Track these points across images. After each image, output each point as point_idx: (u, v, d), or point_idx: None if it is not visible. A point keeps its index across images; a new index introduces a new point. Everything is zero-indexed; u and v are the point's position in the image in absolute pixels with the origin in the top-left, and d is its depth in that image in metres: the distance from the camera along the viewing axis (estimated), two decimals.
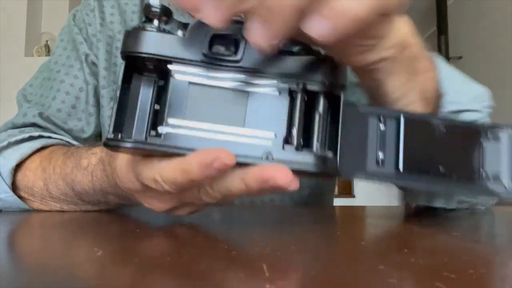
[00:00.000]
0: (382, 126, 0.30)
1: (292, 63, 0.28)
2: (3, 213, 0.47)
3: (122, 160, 0.31)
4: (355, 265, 0.22)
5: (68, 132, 0.60)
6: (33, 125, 0.59)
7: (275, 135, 0.27)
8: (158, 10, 0.28)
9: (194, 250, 0.25)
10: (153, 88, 0.28)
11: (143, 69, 0.28)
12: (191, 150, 0.26)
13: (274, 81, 0.28)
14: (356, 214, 0.53)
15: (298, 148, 0.27)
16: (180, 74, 0.27)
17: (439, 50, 2.98)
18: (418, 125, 0.31)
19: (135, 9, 0.64)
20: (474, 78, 0.56)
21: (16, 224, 0.40)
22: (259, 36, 0.23)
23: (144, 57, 0.27)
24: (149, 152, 0.27)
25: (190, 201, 0.31)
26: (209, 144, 0.26)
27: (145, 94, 0.29)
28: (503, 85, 2.35)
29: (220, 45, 0.27)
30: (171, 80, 0.27)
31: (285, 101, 0.28)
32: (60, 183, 0.45)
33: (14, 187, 0.48)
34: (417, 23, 0.33)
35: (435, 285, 0.17)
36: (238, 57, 0.27)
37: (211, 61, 0.27)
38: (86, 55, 0.63)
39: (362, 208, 0.63)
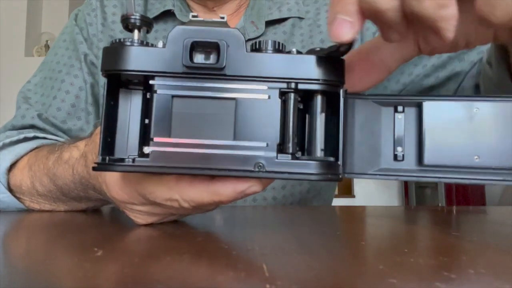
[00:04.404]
0: (399, 116, 0.27)
1: (281, 62, 0.26)
2: (2, 213, 0.47)
3: (113, 172, 0.31)
4: (355, 265, 0.22)
5: (67, 132, 0.61)
6: (32, 126, 0.59)
7: (267, 144, 0.25)
8: (137, 20, 0.26)
9: (194, 250, 0.25)
10: (141, 102, 0.27)
11: (128, 83, 0.27)
12: (181, 169, 0.25)
13: (263, 85, 0.26)
14: (356, 214, 0.53)
15: (294, 155, 0.26)
16: (163, 88, 0.26)
17: None
18: (444, 110, 0.26)
19: (138, 9, 0.64)
20: None
21: (15, 224, 0.40)
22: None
23: (124, 74, 0.26)
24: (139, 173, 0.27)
25: (182, 214, 0.33)
26: (197, 161, 0.25)
27: (133, 109, 0.28)
28: None
29: (201, 53, 0.26)
30: (155, 96, 0.26)
31: (276, 106, 0.26)
32: (44, 179, 0.45)
33: (9, 188, 0.48)
34: None
35: (435, 285, 0.17)
36: (221, 64, 0.25)
37: (194, 72, 0.26)
38: (85, 55, 0.63)
39: (362, 208, 0.63)
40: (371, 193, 3.40)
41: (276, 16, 0.63)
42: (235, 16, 0.65)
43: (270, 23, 0.63)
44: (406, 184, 3.41)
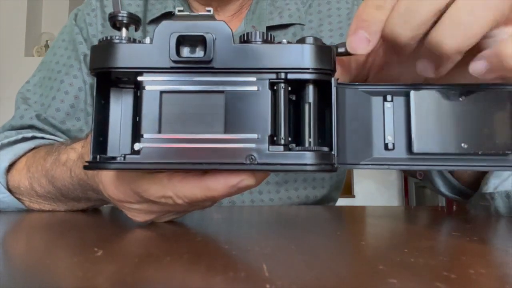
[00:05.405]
0: (388, 105, 0.27)
1: (269, 53, 0.25)
2: (2, 213, 0.47)
3: (108, 172, 0.31)
4: (355, 265, 0.22)
5: (66, 133, 0.60)
6: (31, 127, 0.59)
7: (258, 136, 0.25)
8: (124, 18, 0.26)
9: (194, 250, 0.25)
10: (132, 101, 0.27)
11: (118, 82, 0.27)
12: (172, 164, 0.25)
13: (251, 76, 0.25)
14: (356, 214, 0.53)
15: (287, 146, 0.25)
16: (151, 84, 0.26)
17: None
18: (431, 99, 0.27)
19: (138, 10, 0.64)
20: None
21: (15, 224, 0.40)
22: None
23: (113, 72, 0.26)
24: (131, 170, 0.27)
25: (179, 210, 0.33)
26: (188, 155, 0.25)
27: (124, 108, 0.28)
28: None
29: (188, 47, 0.26)
30: (143, 92, 0.26)
31: (266, 97, 0.25)
32: (42, 180, 0.45)
33: (8, 188, 0.48)
34: None
35: (435, 285, 0.17)
36: (208, 57, 0.25)
37: (182, 66, 0.25)
38: (85, 55, 0.63)
39: (362, 208, 0.63)
40: (371, 193, 3.40)
41: (276, 22, 0.63)
42: (236, 17, 0.65)
43: (271, 29, 0.63)
44: (406, 184, 3.41)
